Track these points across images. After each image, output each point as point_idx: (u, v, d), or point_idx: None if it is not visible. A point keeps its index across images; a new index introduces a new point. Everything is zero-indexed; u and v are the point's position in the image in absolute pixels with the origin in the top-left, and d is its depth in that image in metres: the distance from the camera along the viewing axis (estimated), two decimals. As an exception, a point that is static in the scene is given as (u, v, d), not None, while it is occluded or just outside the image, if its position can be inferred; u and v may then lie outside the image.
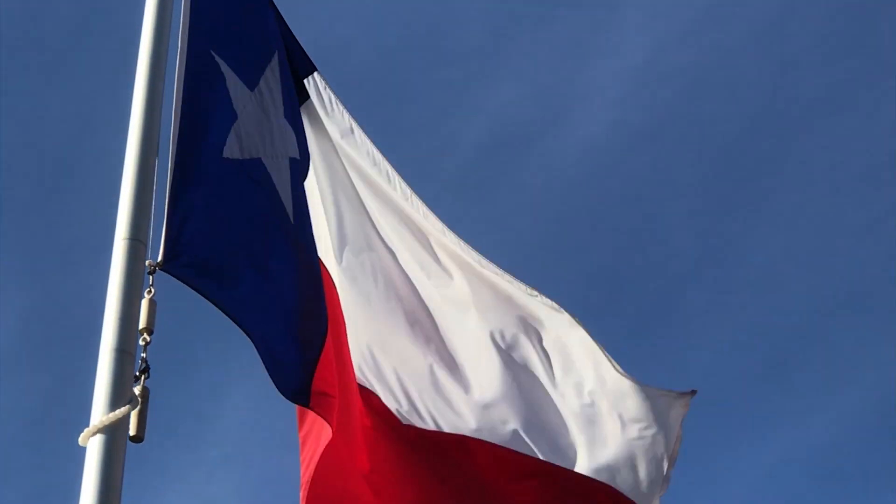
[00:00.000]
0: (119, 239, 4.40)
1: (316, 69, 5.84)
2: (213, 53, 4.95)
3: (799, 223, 16.72)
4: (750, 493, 16.33)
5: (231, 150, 4.88)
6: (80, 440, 3.98)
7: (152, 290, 4.37)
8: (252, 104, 5.06)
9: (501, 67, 16.75)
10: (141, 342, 4.24)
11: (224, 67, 4.98)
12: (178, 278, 4.48)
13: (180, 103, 4.72)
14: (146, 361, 4.21)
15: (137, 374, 4.17)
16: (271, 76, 5.24)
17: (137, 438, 4.07)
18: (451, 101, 16.86)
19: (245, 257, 4.74)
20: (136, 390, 4.12)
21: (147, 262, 4.42)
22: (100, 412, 4.01)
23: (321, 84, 5.80)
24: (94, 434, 3.96)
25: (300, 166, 5.30)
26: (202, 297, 4.59)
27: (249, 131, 4.99)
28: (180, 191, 4.58)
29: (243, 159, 4.93)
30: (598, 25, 16.52)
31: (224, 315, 4.56)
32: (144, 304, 4.33)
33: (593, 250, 17.01)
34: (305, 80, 5.77)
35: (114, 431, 3.97)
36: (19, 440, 14.54)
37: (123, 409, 3.99)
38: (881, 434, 15.52)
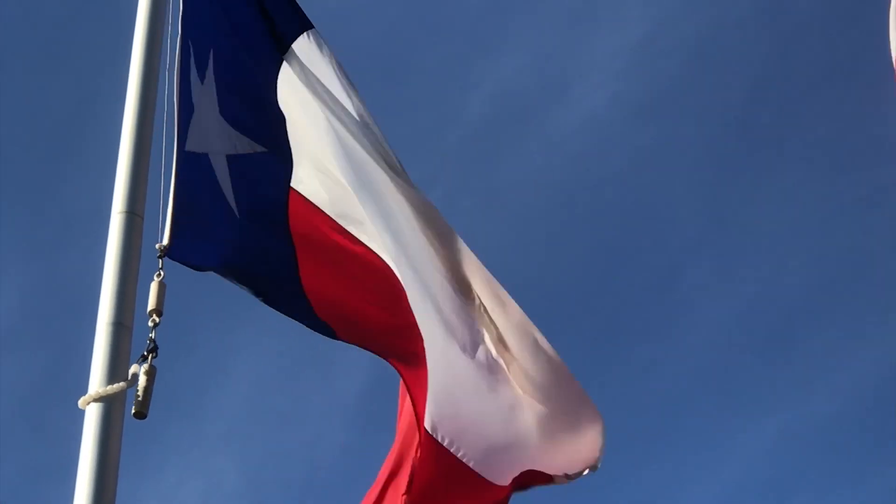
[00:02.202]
0: (115, 213, 4.45)
1: (312, 26, 5.41)
2: (189, 43, 4.95)
3: (801, 196, 16.71)
4: (751, 467, 16.36)
5: (191, 143, 4.88)
6: (80, 403, 4.05)
7: (161, 273, 4.48)
8: (204, 97, 5.01)
9: (503, 40, 16.73)
10: (150, 324, 4.34)
11: (191, 59, 4.98)
12: (178, 261, 4.61)
13: (178, 93, 4.77)
14: (154, 342, 4.28)
15: (146, 353, 4.24)
16: (211, 70, 5.16)
17: (140, 415, 4.14)
18: (452, 74, 16.83)
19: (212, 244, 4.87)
20: (143, 369, 4.18)
21: (157, 245, 4.54)
22: (97, 384, 4.08)
23: (314, 42, 5.43)
24: (93, 402, 4.00)
25: (248, 161, 5.18)
26: (205, 274, 4.71)
27: (202, 125, 4.98)
28: (181, 176, 4.70)
29: (199, 153, 4.93)
30: (600, -2, 16.49)
31: (229, 294, 4.69)
32: (153, 286, 4.44)
33: (594, 223, 17.01)
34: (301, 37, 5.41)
35: (112, 401, 4.03)
36: (20, 415, 14.56)
37: (121, 385, 4.02)
38: (883, 408, 15.53)
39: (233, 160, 5.10)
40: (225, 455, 15.59)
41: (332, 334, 5.06)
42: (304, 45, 5.36)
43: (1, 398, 14.27)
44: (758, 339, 16.77)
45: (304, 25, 5.42)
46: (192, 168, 4.85)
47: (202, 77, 5.07)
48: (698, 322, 16.93)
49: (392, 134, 5.58)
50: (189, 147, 4.86)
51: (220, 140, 5.08)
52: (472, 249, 5.31)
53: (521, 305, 5.12)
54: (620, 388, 16.70)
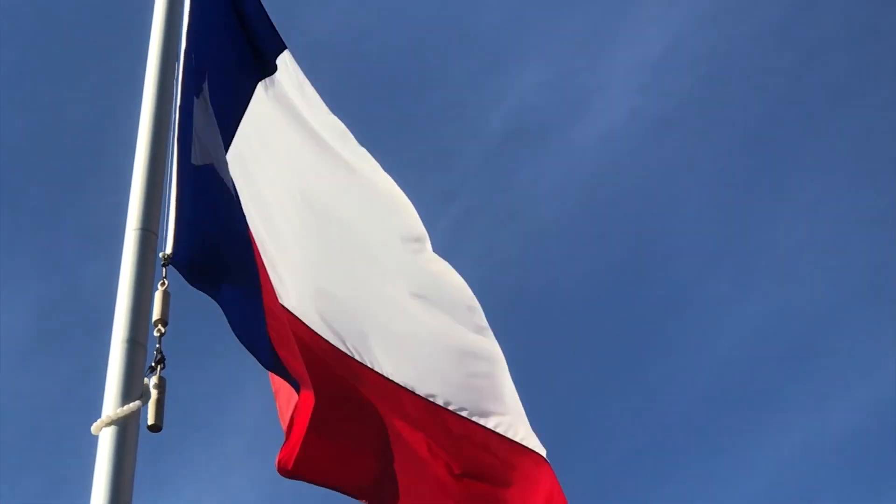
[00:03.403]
0: (130, 230, 4.42)
1: (286, 47, 5.70)
2: (192, 57, 4.94)
3: (819, 211, 16.67)
4: (770, 482, 16.30)
5: (195, 156, 4.81)
6: (93, 429, 4.01)
7: (166, 283, 4.41)
8: (199, 110, 5.00)
9: (522, 55, 16.74)
10: (155, 333, 4.28)
11: (193, 73, 4.96)
12: (181, 273, 4.52)
13: (180, 105, 4.76)
14: (161, 352, 4.23)
15: (153, 364, 4.20)
16: (206, 84, 5.17)
17: (156, 428, 4.10)
18: (472, 89, 16.84)
19: (220, 257, 4.77)
20: (153, 381, 4.15)
21: (161, 255, 4.46)
22: (112, 402, 4.04)
23: (291, 63, 5.71)
24: (107, 426, 3.97)
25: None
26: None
27: (202, 137, 4.93)
28: (180, 189, 4.61)
29: (202, 165, 4.86)
30: (618, 13, 16.48)
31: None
32: (158, 295, 4.36)
33: (613, 238, 16.98)
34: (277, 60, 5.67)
35: (126, 423, 3.99)
36: (36, 428, 14.58)
37: (135, 404, 4.01)
38: (903, 423, 15.46)
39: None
40: (242, 471, 15.58)
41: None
42: (281, 70, 5.65)
43: (18, 412, 14.29)
44: (776, 354, 16.74)
45: (280, 47, 5.68)
46: (204, 181, 4.82)
47: (198, 91, 5.06)
48: (717, 336, 16.89)
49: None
50: (195, 161, 4.81)
51: (217, 151, 5.11)
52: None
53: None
54: (639, 402, 16.65)
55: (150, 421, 4.08)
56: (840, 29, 16.36)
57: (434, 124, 16.52)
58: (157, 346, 4.24)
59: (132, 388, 4.06)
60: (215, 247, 4.69)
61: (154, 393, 4.12)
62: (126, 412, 3.98)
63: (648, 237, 16.74)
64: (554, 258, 16.83)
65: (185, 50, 4.92)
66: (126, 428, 3.97)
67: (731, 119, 16.79)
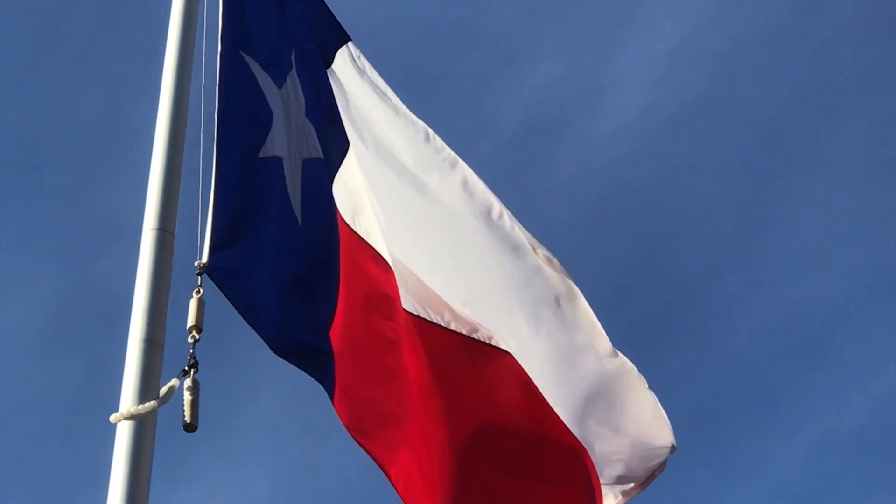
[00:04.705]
0: (147, 230, 4.44)
1: (350, 39, 5.64)
2: (241, 53, 4.95)
3: (834, 206, 16.64)
4: (787, 474, 16.30)
5: (267, 149, 4.92)
6: (112, 419, 4.05)
7: (201, 291, 4.50)
8: (280, 102, 5.05)
9: (536, 50, 16.74)
10: (190, 339, 4.36)
11: (254, 66, 4.98)
12: (215, 283, 4.58)
13: (222, 106, 4.79)
14: (195, 357, 4.30)
15: (186, 368, 4.26)
16: (294, 73, 5.22)
17: (192, 427, 4.18)
18: (487, 83, 16.84)
19: (269, 263, 4.81)
20: (186, 383, 4.22)
21: (196, 263, 4.54)
22: (128, 402, 4.07)
23: (355, 52, 5.63)
24: (125, 420, 4.02)
25: (316, 166, 5.20)
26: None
27: (279, 130, 5.00)
28: (223, 192, 4.66)
29: (273, 157, 4.96)
30: (631, 8, 16.47)
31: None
32: (193, 303, 4.45)
33: (628, 233, 16.97)
34: (339, 51, 5.60)
35: (143, 421, 4.02)
36: (53, 423, 14.63)
37: (153, 403, 4.04)
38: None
39: (308, 164, 5.16)
40: (256, 466, 15.61)
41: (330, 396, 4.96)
42: (340, 60, 5.54)
43: (33, 406, 14.33)
44: (793, 348, 16.72)
45: (342, 39, 5.59)
46: (264, 174, 4.89)
47: (279, 83, 5.13)
48: (733, 330, 16.87)
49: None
50: (264, 153, 4.91)
51: (298, 144, 5.15)
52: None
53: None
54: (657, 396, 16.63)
55: (187, 421, 4.16)
56: (854, 24, 16.34)
57: (447, 120, 16.49)
58: (192, 351, 4.31)
59: (149, 388, 4.09)
60: (263, 254, 4.77)
61: (188, 395, 4.18)
62: (145, 410, 4.01)
63: (662, 232, 16.74)
64: (567, 254, 16.82)
65: (229, 46, 4.94)
66: (144, 424, 4.01)
67: (744, 114, 16.78)
